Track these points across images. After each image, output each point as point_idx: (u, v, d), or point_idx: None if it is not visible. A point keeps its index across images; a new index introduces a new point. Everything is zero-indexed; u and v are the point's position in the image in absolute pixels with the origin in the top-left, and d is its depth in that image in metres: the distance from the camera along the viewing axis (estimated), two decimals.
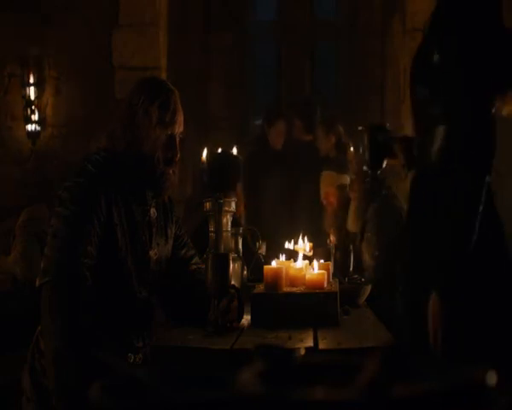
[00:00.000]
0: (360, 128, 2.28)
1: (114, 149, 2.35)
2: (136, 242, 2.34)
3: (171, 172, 2.37)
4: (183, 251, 2.61)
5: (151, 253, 2.40)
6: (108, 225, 2.26)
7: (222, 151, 4.51)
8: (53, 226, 2.23)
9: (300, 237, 3.33)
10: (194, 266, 2.63)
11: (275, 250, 3.08)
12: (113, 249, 2.28)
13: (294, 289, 2.62)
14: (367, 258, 4.10)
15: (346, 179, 4.67)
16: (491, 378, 0.95)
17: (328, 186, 4.74)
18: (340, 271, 3.34)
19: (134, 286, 2.34)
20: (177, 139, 2.38)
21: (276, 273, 2.59)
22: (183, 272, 2.60)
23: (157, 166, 2.34)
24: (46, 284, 2.17)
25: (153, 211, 2.42)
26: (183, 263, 2.60)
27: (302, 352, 1.07)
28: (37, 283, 2.19)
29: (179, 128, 2.38)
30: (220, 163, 4.11)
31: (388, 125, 2.35)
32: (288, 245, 3.20)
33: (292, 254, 2.96)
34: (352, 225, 4.33)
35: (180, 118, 2.38)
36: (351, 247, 3.40)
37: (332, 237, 3.93)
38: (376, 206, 4.12)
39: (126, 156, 2.34)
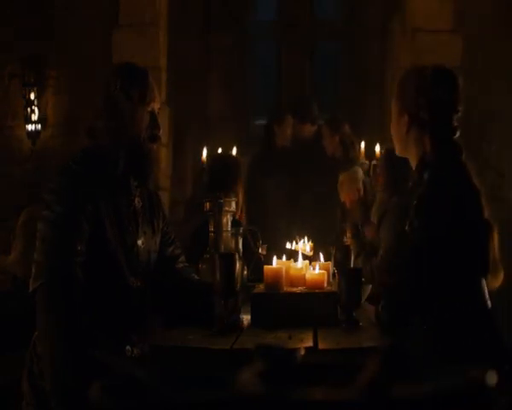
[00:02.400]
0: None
1: (97, 143, 2.37)
2: (124, 232, 2.36)
3: (154, 147, 2.42)
4: (171, 249, 2.63)
5: (139, 242, 2.41)
6: (96, 219, 2.27)
7: (222, 153, 4.50)
8: (40, 231, 2.24)
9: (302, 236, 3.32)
10: (181, 265, 2.66)
11: (277, 251, 3.08)
12: (102, 242, 2.29)
13: (294, 289, 2.62)
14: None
15: (359, 172, 4.67)
16: (491, 378, 0.95)
17: (347, 192, 4.73)
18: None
19: (126, 277, 2.35)
20: (157, 114, 2.43)
21: (276, 273, 2.58)
22: (171, 270, 2.62)
23: (143, 146, 2.38)
24: (39, 288, 2.17)
25: (137, 200, 2.45)
26: (170, 261, 2.62)
27: (302, 352, 1.07)
28: (30, 288, 2.19)
29: (157, 104, 2.44)
30: (220, 164, 4.11)
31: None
32: (289, 245, 3.20)
33: (292, 254, 2.95)
34: (374, 216, 4.33)
35: (156, 94, 2.44)
36: (351, 247, 3.39)
37: (348, 238, 3.92)
38: (395, 202, 4.09)
39: (109, 147, 2.36)
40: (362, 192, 4.59)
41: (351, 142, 5.64)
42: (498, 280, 2.40)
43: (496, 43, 5.72)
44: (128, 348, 2.33)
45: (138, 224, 2.43)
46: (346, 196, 4.70)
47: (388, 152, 4.28)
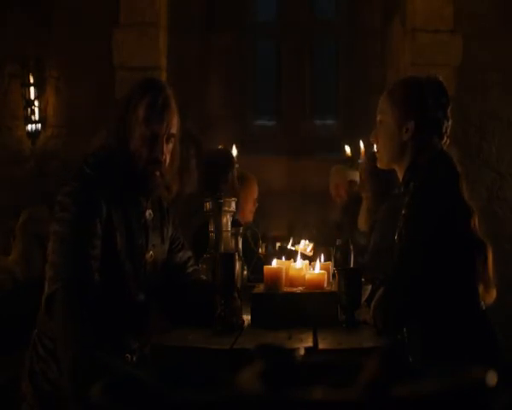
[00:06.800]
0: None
1: (109, 148, 2.32)
2: (134, 245, 2.32)
3: (157, 173, 2.31)
4: (180, 254, 2.59)
5: (147, 256, 2.38)
6: (108, 228, 2.23)
7: (212, 148, 4.50)
8: (57, 232, 2.18)
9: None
10: (191, 269, 2.62)
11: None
12: (111, 252, 2.25)
13: (294, 289, 2.62)
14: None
15: (356, 175, 4.67)
16: (491, 378, 0.95)
17: (339, 179, 4.73)
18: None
19: (131, 289, 2.32)
20: (163, 139, 2.29)
21: (276, 273, 2.58)
22: (181, 274, 2.59)
23: (138, 163, 2.28)
24: (58, 291, 2.11)
25: (148, 212, 2.39)
26: (180, 266, 2.58)
27: (302, 352, 1.07)
28: (47, 290, 2.13)
29: (167, 129, 2.30)
30: (211, 159, 4.11)
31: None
32: (289, 245, 3.20)
33: (292, 254, 2.96)
34: (362, 224, 4.32)
35: (169, 118, 2.30)
36: (351, 247, 3.39)
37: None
38: (387, 206, 4.09)
39: (119, 155, 2.30)
40: (346, 193, 4.60)
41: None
42: (491, 297, 2.42)
43: (495, 42, 5.72)
44: (127, 356, 2.31)
45: (148, 237, 2.38)
46: (334, 186, 4.69)
47: (371, 161, 4.29)
